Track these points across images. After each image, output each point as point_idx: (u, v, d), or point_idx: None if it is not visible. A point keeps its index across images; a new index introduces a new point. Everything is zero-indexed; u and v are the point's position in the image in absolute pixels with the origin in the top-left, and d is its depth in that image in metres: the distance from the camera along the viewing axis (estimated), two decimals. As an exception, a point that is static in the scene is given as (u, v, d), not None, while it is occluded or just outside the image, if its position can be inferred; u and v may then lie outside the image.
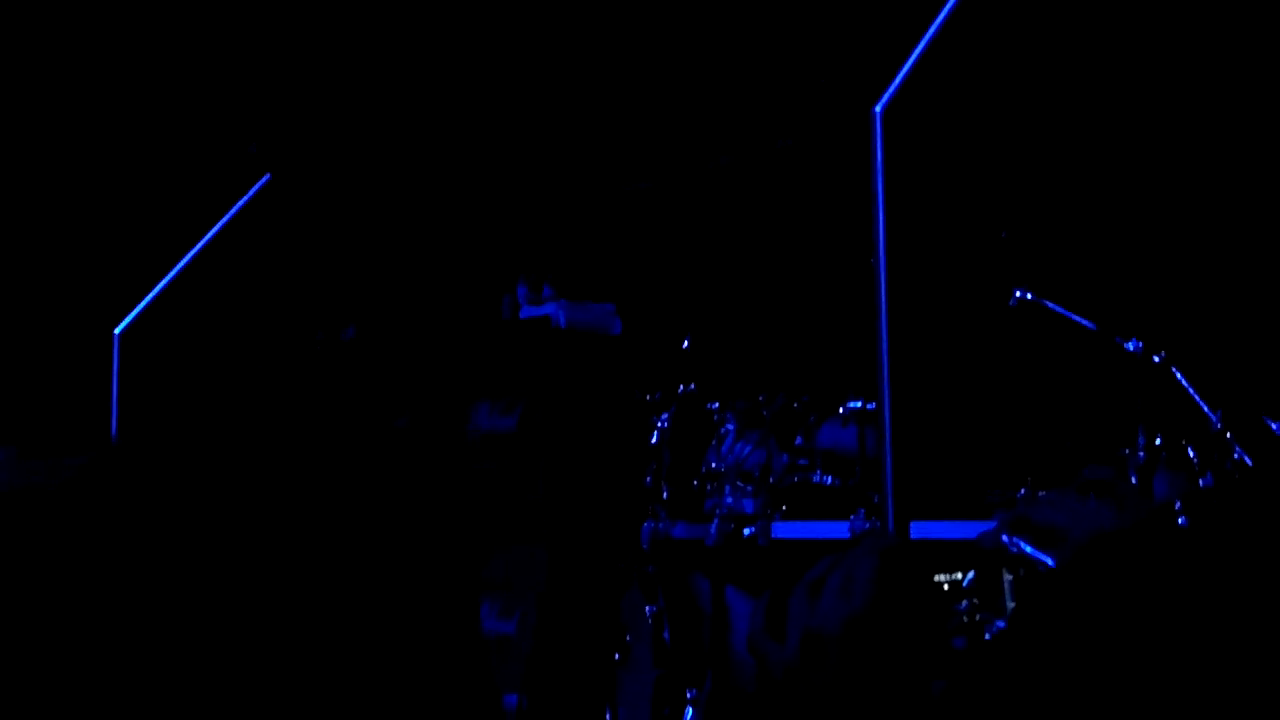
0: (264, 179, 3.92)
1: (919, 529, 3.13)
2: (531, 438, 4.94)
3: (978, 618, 3.80)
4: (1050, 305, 4.18)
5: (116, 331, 3.74)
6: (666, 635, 4.44)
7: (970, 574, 3.93)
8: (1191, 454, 3.91)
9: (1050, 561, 3.54)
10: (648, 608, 4.48)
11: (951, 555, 4.04)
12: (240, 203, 3.85)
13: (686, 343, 4.73)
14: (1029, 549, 3.76)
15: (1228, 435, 3.90)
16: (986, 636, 3.78)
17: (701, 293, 5.41)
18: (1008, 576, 3.92)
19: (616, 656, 4.53)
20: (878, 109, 1.99)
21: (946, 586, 3.84)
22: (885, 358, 2.03)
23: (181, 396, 4.60)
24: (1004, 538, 3.75)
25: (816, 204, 5.22)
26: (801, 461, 4.37)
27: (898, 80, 1.97)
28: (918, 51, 1.99)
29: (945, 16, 2.01)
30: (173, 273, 3.80)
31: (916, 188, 2.08)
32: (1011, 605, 3.85)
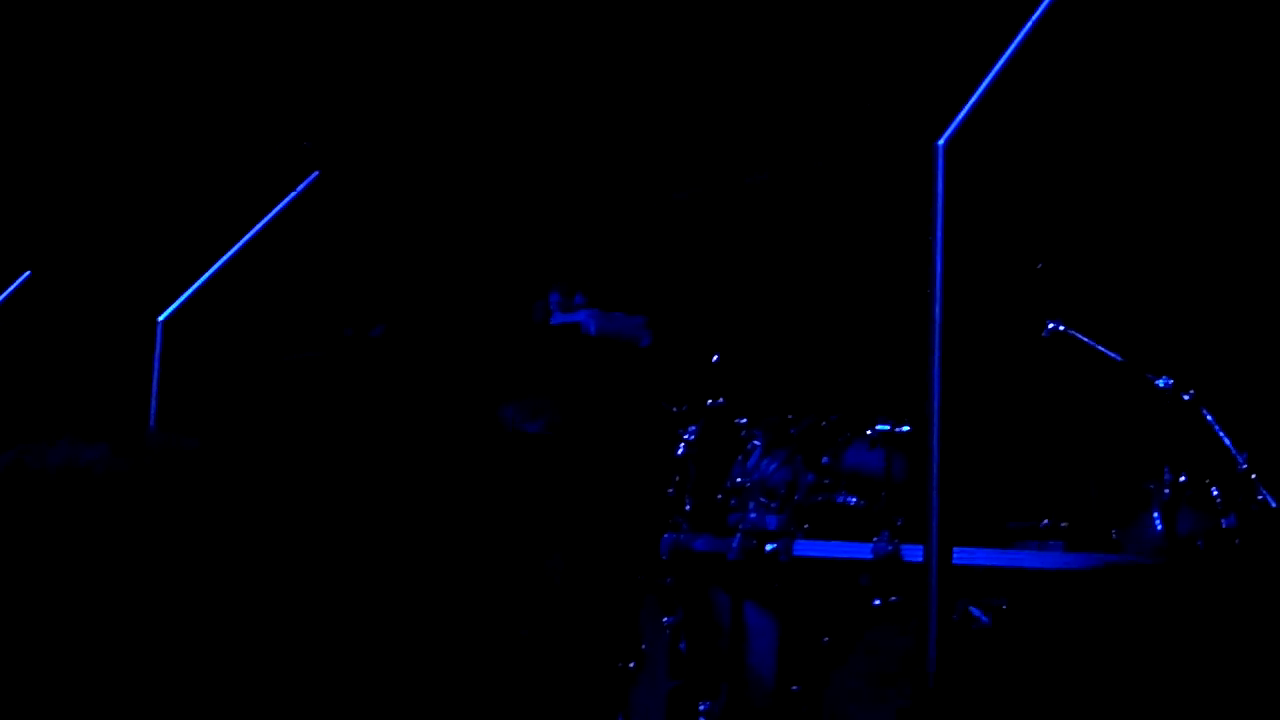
0: (312, 176, 3.97)
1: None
2: (556, 443, 4.97)
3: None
4: (1082, 338, 4.21)
5: (160, 319, 3.79)
6: (683, 647, 4.46)
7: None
8: (1215, 493, 3.94)
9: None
10: (666, 619, 4.50)
11: (978, 582, 4.07)
12: (289, 198, 3.90)
13: (716, 357, 4.77)
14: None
15: (1253, 476, 3.92)
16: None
17: (733, 308, 5.45)
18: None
19: (631, 666, 4.55)
20: (940, 143, 2.04)
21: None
22: (936, 385, 2.07)
23: (219, 386, 4.64)
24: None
25: (851, 226, 5.25)
26: (827, 481, 4.39)
27: (961, 115, 2.01)
28: (982, 89, 2.04)
29: (1008, 58, 2.06)
30: (219, 263, 3.85)
31: (964, 219, 2.12)
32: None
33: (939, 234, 2.08)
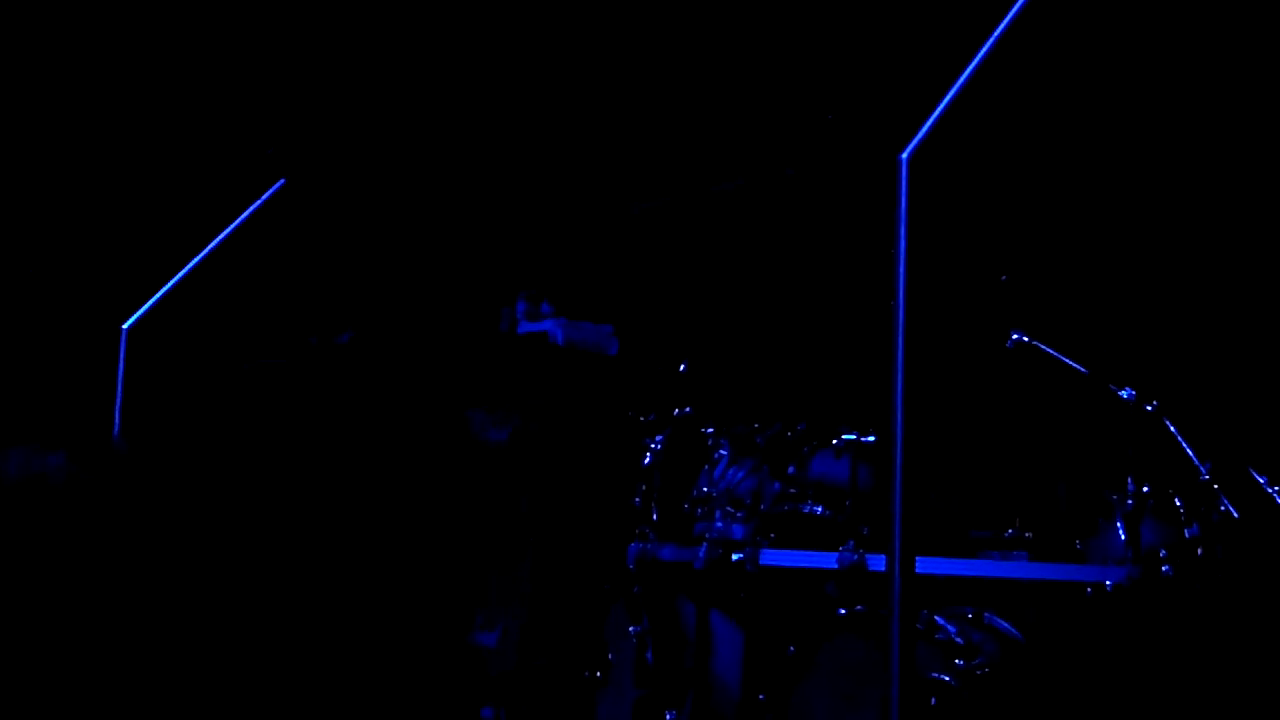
0: (279, 183, 3.96)
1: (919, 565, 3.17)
2: (522, 451, 4.97)
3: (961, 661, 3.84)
4: (1045, 349, 4.23)
5: (125, 327, 3.77)
6: (649, 656, 4.46)
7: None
8: (1179, 503, 3.96)
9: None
10: (632, 628, 4.50)
11: (941, 591, 4.08)
12: (254, 205, 3.89)
13: (684, 366, 4.77)
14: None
15: (1215, 486, 3.95)
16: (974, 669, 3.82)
17: (700, 318, 5.46)
18: (1003, 623, 3.97)
19: (597, 675, 4.55)
20: (904, 156, 2.05)
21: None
22: (900, 395, 2.09)
23: (184, 393, 4.63)
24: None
25: (817, 237, 5.27)
26: (792, 490, 4.40)
27: (925, 129, 2.03)
28: (945, 102, 2.06)
29: (971, 72, 2.07)
30: (184, 271, 3.83)
31: (927, 231, 2.14)
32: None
33: (902, 245, 2.09)
